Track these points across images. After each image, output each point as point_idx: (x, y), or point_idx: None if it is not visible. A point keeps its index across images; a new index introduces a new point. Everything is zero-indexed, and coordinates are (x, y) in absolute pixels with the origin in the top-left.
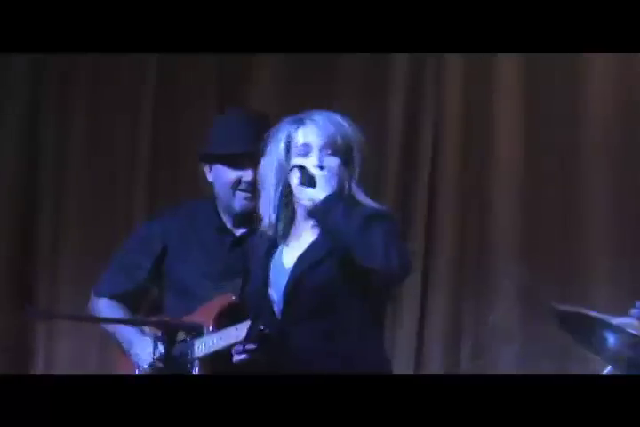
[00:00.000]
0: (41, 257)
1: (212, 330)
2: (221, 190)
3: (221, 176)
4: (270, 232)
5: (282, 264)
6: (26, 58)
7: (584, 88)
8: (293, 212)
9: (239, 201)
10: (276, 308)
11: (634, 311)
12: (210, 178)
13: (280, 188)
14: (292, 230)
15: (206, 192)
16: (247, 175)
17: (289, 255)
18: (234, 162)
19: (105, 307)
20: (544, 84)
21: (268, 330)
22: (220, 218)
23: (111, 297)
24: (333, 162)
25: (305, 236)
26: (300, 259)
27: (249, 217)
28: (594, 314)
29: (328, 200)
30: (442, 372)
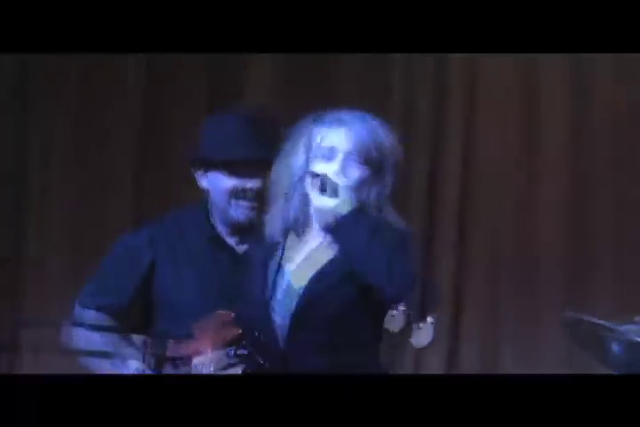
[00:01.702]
0: (28, 258)
1: (212, 351)
2: (218, 198)
3: (219, 184)
4: (275, 248)
5: (290, 284)
6: (12, 58)
7: (628, 89)
8: (307, 224)
9: (239, 210)
10: (280, 334)
11: (638, 319)
12: (204, 185)
13: (294, 196)
14: (305, 245)
15: (199, 195)
16: (250, 183)
17: (299, 274)
18: (234, 169)
19: (91, 319)
20: (590, 85)
21: (267, 364)
22: (215, 229)
23: (97, 309)
24: (361, 172)
25: (319, 253)
26: (314, 280)
27: (249, 228)
28: (599, 321)
29: (352, 216)
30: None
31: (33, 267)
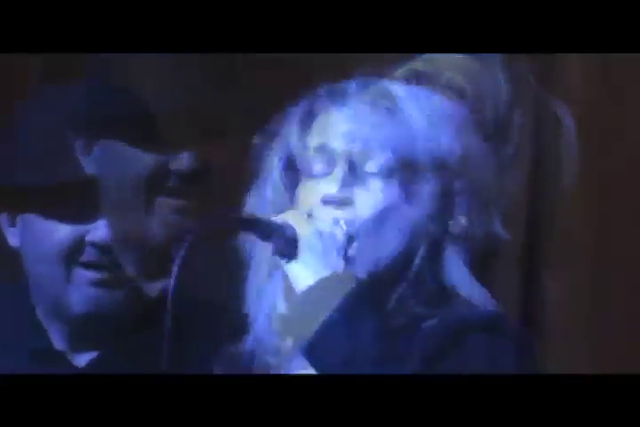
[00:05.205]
0: None
1: None
2: (39, 268)
3: (38, 237)
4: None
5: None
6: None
7: None
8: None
9: (81, 290)
10: None
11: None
12: (13, 241)
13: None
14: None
15: None
16: (97, 232)
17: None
18: (67, 204)
19: None
20: None
21: None
22: (41, 333)
23: None
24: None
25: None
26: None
27: (101, 323)
28: None
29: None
30: None
31: None
